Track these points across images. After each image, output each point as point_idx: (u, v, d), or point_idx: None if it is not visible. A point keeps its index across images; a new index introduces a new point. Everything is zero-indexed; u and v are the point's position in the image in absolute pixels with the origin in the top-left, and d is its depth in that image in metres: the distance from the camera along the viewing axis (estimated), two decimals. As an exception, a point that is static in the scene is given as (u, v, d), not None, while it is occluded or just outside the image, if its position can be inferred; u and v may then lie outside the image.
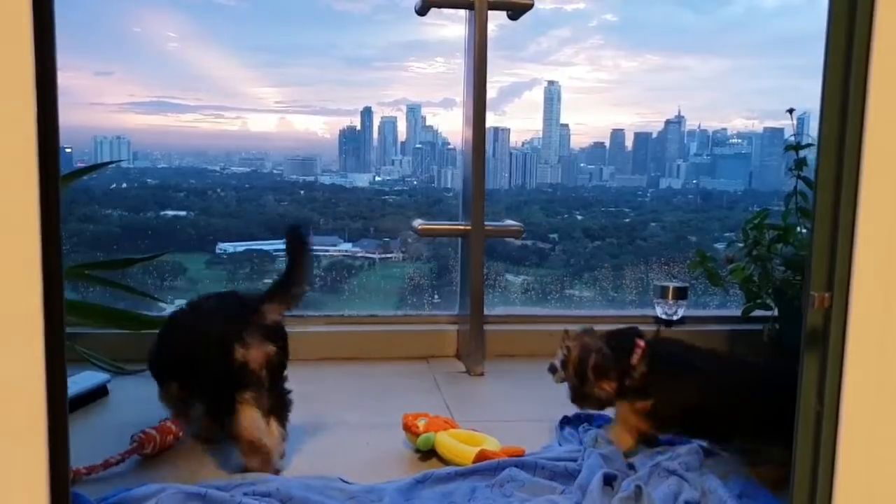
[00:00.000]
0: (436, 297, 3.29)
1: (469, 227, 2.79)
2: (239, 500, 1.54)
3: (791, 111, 2.98)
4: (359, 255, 3.62)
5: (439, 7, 2.71)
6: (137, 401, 2.36)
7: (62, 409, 1.03)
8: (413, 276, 3.46)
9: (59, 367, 1.03)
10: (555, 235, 3.83)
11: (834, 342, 1.20)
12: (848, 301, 1.19)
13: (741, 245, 3.00)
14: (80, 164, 3.61)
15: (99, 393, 2.40)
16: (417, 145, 3.94)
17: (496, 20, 2.77)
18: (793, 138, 2.97)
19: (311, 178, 3.88)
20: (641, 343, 1.92)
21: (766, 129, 4.10)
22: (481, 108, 2.74)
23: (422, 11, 2.71)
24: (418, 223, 2.87)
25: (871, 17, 1.15)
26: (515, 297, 3.55)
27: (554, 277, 3.67)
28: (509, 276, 3.59)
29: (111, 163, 3.26)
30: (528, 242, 3.73)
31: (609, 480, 1.71)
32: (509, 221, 3.03)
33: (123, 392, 2.46)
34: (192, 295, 3.38)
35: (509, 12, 2.77)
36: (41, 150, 0.97)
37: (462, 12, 2.76)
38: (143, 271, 3.31)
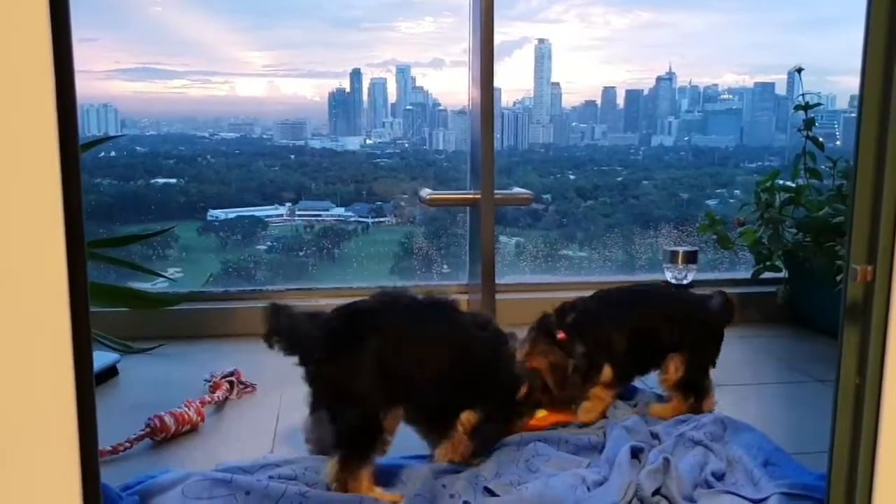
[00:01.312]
0: (444, 266, 3.29)
1: (478, 196, 2.76)
2: (265, 483, 1.53)
3: (800, 70, 2.97)
4: (351, 219, 3.61)
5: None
6: (147, 380, 2.39)
7: (90, 394, 1.04)
8: (408, 242, 3.46)
9: (85, 351, 1.04)
10: (548, 196, 3.82)
11: (877, 316, 1.18)
12: (892, 275, 1.15)
13: (754, 207, 2.99)
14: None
15: (109, 373, 2.38)
16: (408, 107, 3.91)
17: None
18: (801, 98, 2.96)
19: (301, 143, 3.85)
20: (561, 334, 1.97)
21: (756, 84, 4.08)
22: (489, 72, 2.68)
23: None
24: (426, 193, 2.84)
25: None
26: (510, 260, 3.56)
27: (548, 239, 3.67)
28: (503, 238, 3.59)
29: (110, 138, 3.21)
30: (522, 203, 3.72)
31: (636, 453, 1.70)
32: (518, 189, 3.01)
33: (133, 372, 2.44)
34: (186, 263, 3.41)
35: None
36: (61, 131, 0.98)
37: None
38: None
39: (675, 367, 2.01)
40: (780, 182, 2.97)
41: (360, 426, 1.57)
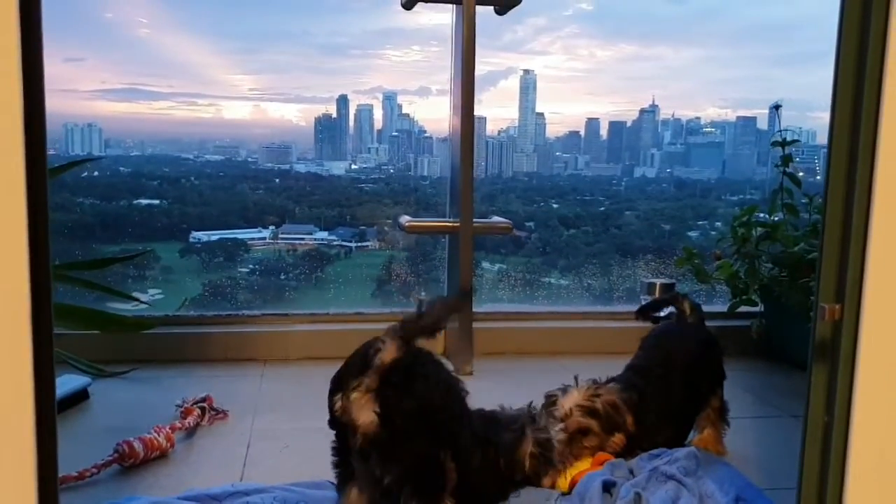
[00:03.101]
0: (423, 292, 3.29)
1: (457, 224, 2.73)
2: None
3: (777, 107, 3.02)
4: (335, 243, 3.61)
5: (427, 1, 2.68)
6: (119, 405, 2.35)
7: (51, 419, 1.02)
8: (389, 267, 3.46)
9: (47, 376, 1.01)
10: (531, 224, 3.84)
11: (844, 354, 1.18)
12: (859, 313, 1.15)
13: (730, 243, 3.01)
14: (51, 152, 3.56)
15: (79, 397, 2.34)
16: (394, 133, 3.93)
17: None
18: (779, 134, 2.99)
19: (286, 167, 3.86)
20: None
21: (738, 118, 4.14)
22: (469, 102, 2.70)
23: (408, 6, 2.69)
24: (405, 220, 2.82)
25: (886, 19, 1.11)
26: (491, 286, 3.57)
27: (530, 266, 3.68)
28: (485, 265, 3.60)
29: (89, 159, 3.19)
30: (505, 231, 3.74)
31: (607, 487, 1.70)
32: (497, 218, 3.01)
33: (104, 395, 2.41)
34: (167, 284, 3.40)
35: (497, 7, 2.75)
36: (28, 149, 0.95)
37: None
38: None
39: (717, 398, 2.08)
40: (758, 217, 2.99)
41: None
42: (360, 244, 3.63)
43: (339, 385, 1.51)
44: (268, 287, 3.50)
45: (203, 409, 2.19)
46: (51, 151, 3.50)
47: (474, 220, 2.75)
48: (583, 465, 1.84)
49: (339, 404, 1.50)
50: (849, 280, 1.16)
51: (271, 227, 3.56)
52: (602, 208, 4.00)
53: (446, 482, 1.53)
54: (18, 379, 0.97)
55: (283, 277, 3.56)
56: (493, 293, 3.53)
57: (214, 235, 3.55)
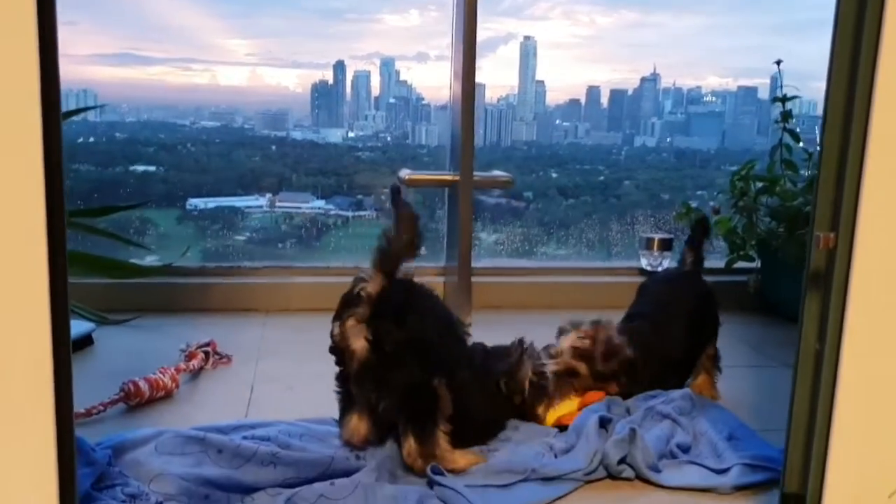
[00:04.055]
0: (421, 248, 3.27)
1: (457, 178, 2.76)
2: (238, 443, 1.55)
3: (779, 62, 3.00)
4: (331, 212, 3.59)
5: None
6: (122, 350, 2.41)
7: (66, 352, 1.04)
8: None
9: (62, 311, 1.04)
10: (529, 193, 3.81)
11: (837, 283, 1.21)
12: (853, 242, 1.18)
13: (728, 196, 3.04)
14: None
15: (84, 342, 2.38)
16: (391, 100, 3.89)
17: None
18: (779, 90, 3.01)
19: (283, 134, 3.82)
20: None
21: (740, 87, 4.10)
22: (471, 66, 2.70)
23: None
24: (405, 173, 2.85)
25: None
26: (488, 256, 3.55)
27: (528, 236, 3.66)
28: (483, 235, 3.58)
29: (85, 109, 3.16)
30: (503, 200, 3.71)
31: (604, 423, 1.75)
32: (497, 172, 3.02)
33: (108, 342, 2.46)
34: (164, 251, 3.38)
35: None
36: (44, 99, 0.98)
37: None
38: (114, 226, 3.26)
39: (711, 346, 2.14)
40: (757, 172, 3.02)
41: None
42: (357, 213, 3.61)
43: (337, 314, 1.63)
44: (265, 256, 3.48)
45: (207, 354, 2.27)
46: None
47: (475, 173, 2.77)
48: (569, 407, 1.88)
49: (336, 331, 1.62)
50: (843, 209, 1.18)
51: (268, 195, 3.54)
52: (601, 178, 3.97)
53: (439, 409, 1.62)
54: (37, 319, 1.01)
55: (279, 246, 3.54)
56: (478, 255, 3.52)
57: (211, 203, 3.53)
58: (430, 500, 1.49)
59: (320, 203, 3.58)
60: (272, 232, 3.56)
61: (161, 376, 1.99)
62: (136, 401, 1.92)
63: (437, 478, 1.53)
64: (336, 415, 1.75)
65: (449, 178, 2.84)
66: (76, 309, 2.52)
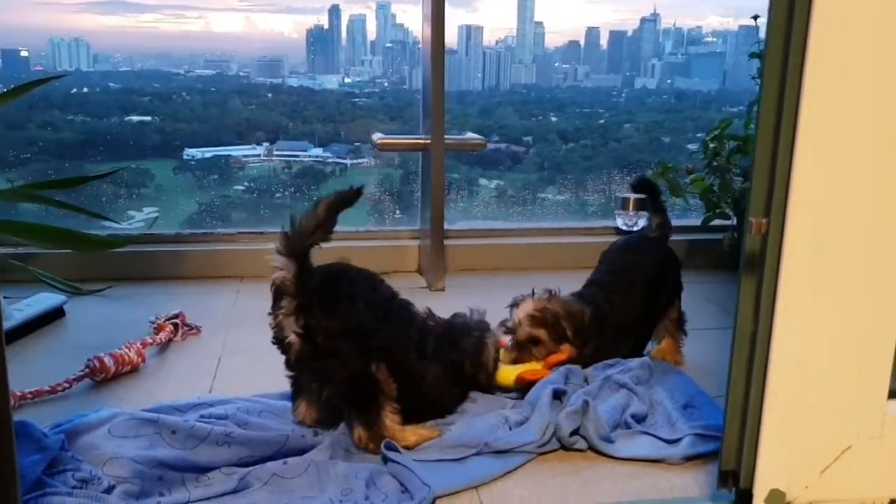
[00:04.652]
0: (397, 212, 3.26)
1: (428, 141, 2.72)
2: (192, 424, 1.54)
3: (756, 17, 2.97)
4: (329, 160, 3.56)
5: None
6: (94, 322, 2.40)
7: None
8: (384, 184, 3.42)
9: None
10: (528, 138, 3.78)
11: (769, 266, 1.25)
12: (784, 227, 1.22)
13: (701, 156, 3.03)
14: (37, 69, 3.48)
15: (55, 315, 2.37)
16: (387, 45, 3.83)
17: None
18: (757, 45, 2.99)
19: (279, 81, 3.77)
20: None
21: (741, 27, 4.02)
22: (439, 9, 2.61)
23: None
24: (377, 137, 2.82)
25: None
26: (489, 203, 3.54)
27: (527, 182, 3.64)
28: (483, 181, 3.56)
29: (55, 77, 3.00)
30: (502, 146, 3.69)
31: (558, 395, 1.76)
32: (470, 134, 2.96)
33: (80, 313, 2.45)
34: (162, 203, 3.37)
35: None
36: None
37: None
38: (110, 180, 3.25)
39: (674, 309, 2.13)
40: (733, 131, 2.99)
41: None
42: (355, 161, 3.58)
43: (272, 305, 1.62)
44: (263, 206, 3.47)
45: (176, 325, 2.26)
46: (38, 67, 3.43)
47: (447, 136, 2.72)
48: (534, 365, 1.90)
49: (272, 323, 1.62)
50: (775, 195, 1.23)
51: (265, 144, 3.51)
52: (601, 121, 3.94)
53: (382, 393, 1.63)
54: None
55: (277, 196, 3.52)
56: (489, 210, 3.51)
57: (208, 152, 3.50)
58: (382, 476, 1.51)
59: (318, 151, 3.55)
60: (270, 181, 3.54)
61: (126, 351, 1.99)
62: (101, 377, 1.92)
63: (390, 454, 1.55)
64: None
65: (420, 141, 2.79)
66: (48, 280, 2.52)
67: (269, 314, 1.62)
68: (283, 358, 1.76)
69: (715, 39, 4.04)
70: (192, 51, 3.73)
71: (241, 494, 1.45)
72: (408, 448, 1.61)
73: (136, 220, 3.24)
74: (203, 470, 1.49)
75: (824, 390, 1.33)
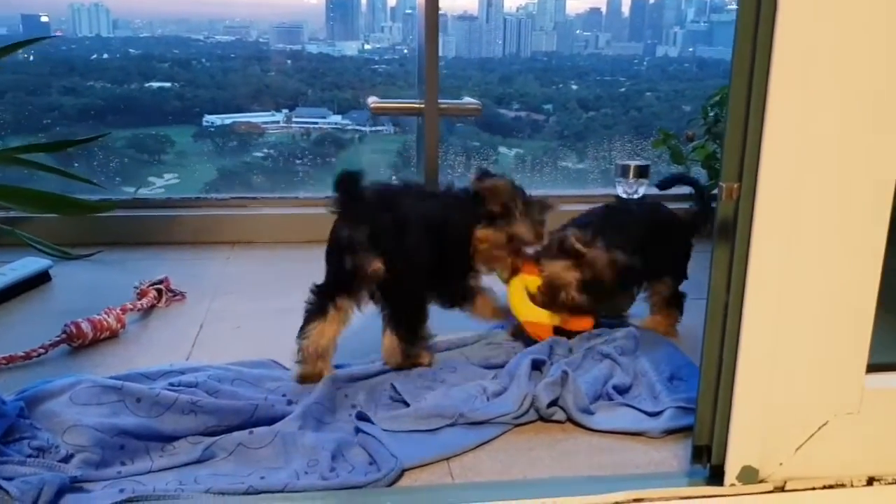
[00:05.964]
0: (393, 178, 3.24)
1: (422, 106, 2.64)
2: (157, 391, 1.50)
3: None
4: (349, 127, 3.55)
5: None
6: (80, 286, 2.36)
7: None
8: (404, 152, 3.41)
9: None
10: (549, 106, 3.75)
11: (741, 234, 1.20)
12: (755, 191, 1.18)
13: (702, 122, 2.95)
14: (58, 33, 3.49)
15: (40, 279, 2.34)
16: (408, 10, 3.80)
17: None
18: None
19: (298, 47, 3.76)
20: None
21: (766, -7, 3.96)
22: None
23: None
24: (372, 100, 2.74)
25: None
26: (508, 172, 3.52)
27: (548, 150, 3.62)
28: (502, 149, 3.55)
29: (39, 39, 2.91)
30: (523, 114, 3.66)
31: (537, 365, 1.73)
32: (468, 99, 2.87)
33: (67, 278, 2.41)
34: (182, 169, 3.38)
35: None
36: None
37: None
38: (128, 145, 3.26)
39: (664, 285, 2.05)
40: None
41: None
42: (374, 128, 3.57)
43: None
44: (282, 172, 3.47)
45: (160, 291, 2.21)
46: (58, 32, 3.43)
47: (441, 101, 2.64)
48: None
49: (350, 261, 1.68)
50: (747, 158, 1.17)
51: (284, 111, 3.51)
52: (622, 89, 3.90)
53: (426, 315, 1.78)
54: None
55: (297, 162, 3.52)
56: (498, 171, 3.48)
57: (227, 119, 3.51)
58: (351, 447, 1.47)
59: (337, 118, 3.54)
60: (289, 148, 3.54)
61: (105, 317, 1.95)
62: (78, 342, 1.88)
63: (361, 424, 1.52)
64: (278, 355, 1.80)
65: (415, 106, 2.70)
66: (36, 245, 2.49)
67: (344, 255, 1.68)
68: (267, 324, 1.89)
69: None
70: (211, 17, 3.72)
71: (204, 465, 1.40)
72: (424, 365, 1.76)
73: (157, 186, 3.26)
74: (168, 439, 1.45)
75: (799, 363, 1.27)
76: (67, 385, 1.51)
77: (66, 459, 1.34)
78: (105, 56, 3.56)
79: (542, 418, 1.59)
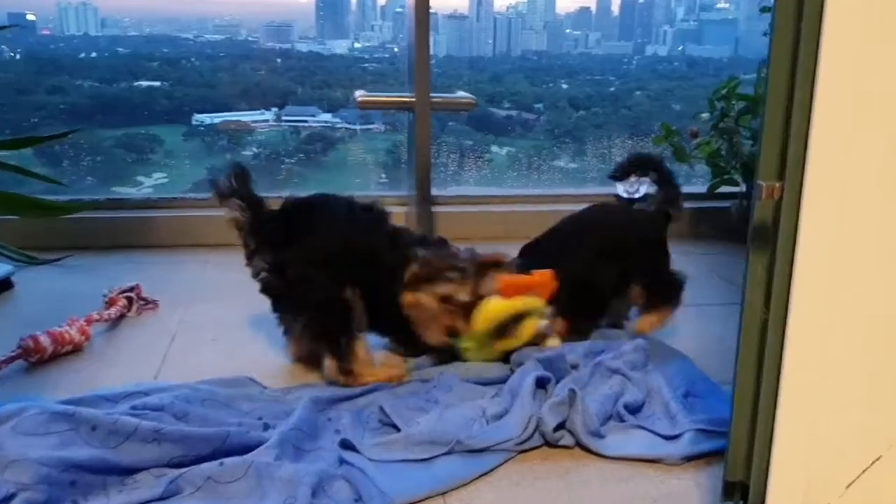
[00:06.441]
0: (383, 175, 3.21)
1: (412, 99, 2.54)
2: (115, 418, 1.32)
3: None
4: (339, 126, 3.54)
5: None
6: (46, 294, 2.20)
7: None
8: (395, 150, 3.41)
9: None
10: (539, 105, 3.75)
11: (784, 239, 1.05)
12: (802, 192, 1.02)
13: (707, 117, 2.84)
14: (45, 32, 3.46)
15: (1, 286, 2.19)
16: (398, 9, 3.79)
17: None
18: None
19: (288, 46, 3.74)
20: None
21: (754, -7, 3.99)
22: None
23: None
24: (359, 94, 2.62)
25: None
26: (500, 171, 3.52)
27: (539, 149, 3.62)
28: (494, 148, 3.54)
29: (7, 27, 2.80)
30: (514, 113, 3.66)
31: (542, 383, 1.57)
32: (461, 93, 2.76)
33: (32, 285, 2.27)
34: (171, 168, 3.36)
35: None
36: None
37: None
38: (117, 144, 3.24)
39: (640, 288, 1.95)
40: (738, 91, 2.80)
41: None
42: (364, 126, 3.56)
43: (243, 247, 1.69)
44: (272, 172, 3.46)
45: (130, 299, 2.06)
46: (45, 31, 3.40)
47: (434, 95, 2.55)
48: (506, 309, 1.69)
49: (247, 264, 1.67)
50: (791, 153, 1.03)
51: (274, 109, 3.49)
52: (612, 88, 3.90)
53: (351, 322, 1.63)
54: None
55: (287, 161, 3.51)
56: (501, 178, 3.48)
57: (217, 118, 3.49)
58: (334, 481, 1.31)
59: (327, 116, 3.53)
60: (279, 147, 3.53)
61: (67, 329, 1.78)
62: (36, 357, 1.70)
63: (345, 453, 1.38)
64: (256, 370, 1.70)
65: (405, 99, 2.59)
66: None
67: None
68: (243, 336, 1.80)
69: (727, 5, 4.00)
70: (200, 15, 3.70)
71: (169, 501, 1.25)
72: (389, 380, 1.63)
73: (146, 185, 3.24)
74: (128, 472, 1.29)
75: (850, 390, 1.11)
76: (12, 412, 1.33)
77: (7, 500, 1.18)
78: (93, 55, 3.54)
79: (548, 443, 1.46)
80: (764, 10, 2.81)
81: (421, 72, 2.52)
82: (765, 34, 2.78)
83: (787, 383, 1.09)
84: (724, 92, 2.81)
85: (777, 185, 1.04)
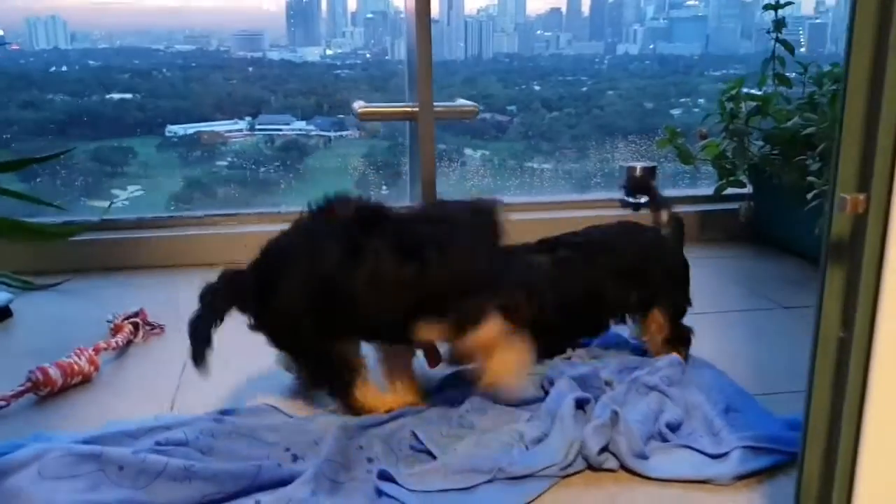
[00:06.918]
0: (383, 187, 3.21)
1: (416, 109, 2.52)
2: (143, 457, 1.29)
3: None
4: (313, 133, 3.54)
5: None
6: (46, 321, 2.14)
7: None
8: (370, 157, 3.41)
9: None
10: (512, 107, 3.77)
11: (869, 256, 0.94)
12: (890, 204, 0.91)
13: (718, 118, 2.78)
14: (13, 47, 3.44)
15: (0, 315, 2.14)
16: (368, 15, 3.81)
17: None
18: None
19: (259, 54, 3.74)
20: None
21: (723, -11, 4.03)
22: None
23: None
24: (359, 105, 2.61)
25: None
26: (474, 174, 3.53)
27: (513, 151, 3.64)
28: (468, 151, 3.56)
29: None
30: (487, 115, 3.67)
31: (581, 404, 1.51)
32: (462, 101, 2.74)
33: (31, 311, 2.21)
34: (146, 180, 3.35)
35: None
36: None
37: None
38: (91, 159, 3.23)
39: (657, 324, 1.80)
40: (747, 91, 2.75)
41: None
42: (339, 133, 3.56)
43: None
44: (248, 181, 3.45)
45: (136, 325, 2.00)
46: (14, 46, 3.38)
47: (436, 104, 2.53)
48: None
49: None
50: (876, 165, 0.91)
51: (247, 119, 3.49)
52: (584, 88, 3.93)
53: (347, 371, 1.54)
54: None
55: (262, 170, 3.50)
56: (478, 181, 3.50)
57: (191, 129, 3.48)
58: None
59: (301, 124, 3.53)
60: (254, 156, 3.52)
61: (76, 359, 1.73)
62: (46, 390, 1.66)
63: (383, 484, 1.32)
64: (273, 398, 1.66)
65: (408, 110, 2.56)
66: None
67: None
68: (258, 360, 1.67)
69: (697, 3, 4.03)
70: (171, 26, 3.69)
71: None
72: (394, 409, 1.54)
73: (121, 198, 3.23)
74: None
75: None
76: (34, 454, 1.29)
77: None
78: (64, 69, 3.52)
79: (592, 467, 1.40)
80: (767, 6, 2.77)
81: (423, 82, 2.49)
82: (767, 31, 2.74)
83: (871, 412, 0.98)
84: (732, 93, 2.76)
85: (861, 197, 0.94)
